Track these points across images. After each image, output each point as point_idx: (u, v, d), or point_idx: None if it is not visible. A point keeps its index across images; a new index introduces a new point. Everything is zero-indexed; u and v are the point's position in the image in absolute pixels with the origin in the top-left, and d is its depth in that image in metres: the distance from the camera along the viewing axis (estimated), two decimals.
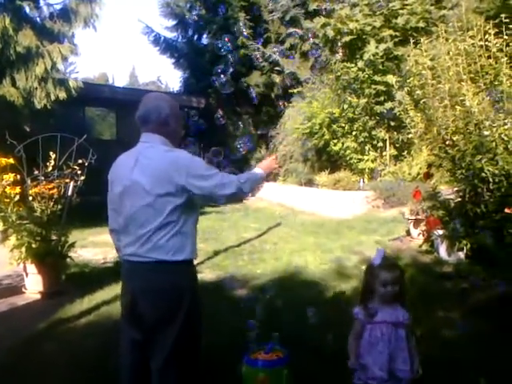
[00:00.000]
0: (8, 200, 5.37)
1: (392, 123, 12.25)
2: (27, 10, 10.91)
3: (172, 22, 19.55)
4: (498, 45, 6.59)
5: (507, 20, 6.64)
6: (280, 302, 4.90)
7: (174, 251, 2.38)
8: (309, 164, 14.26)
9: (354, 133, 12.73)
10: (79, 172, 5.81)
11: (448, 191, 7.11)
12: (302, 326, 3.72)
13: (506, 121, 6.10)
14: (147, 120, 2.52)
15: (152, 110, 2.52)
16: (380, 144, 12.67)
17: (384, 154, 12.70)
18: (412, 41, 8.02)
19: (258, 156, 15.77)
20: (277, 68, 16.95)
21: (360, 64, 12.33)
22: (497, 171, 5.97)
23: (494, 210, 5.96)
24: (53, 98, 10.23)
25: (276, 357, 2.83)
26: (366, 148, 12.75)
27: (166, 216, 2.36)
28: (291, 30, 16.64)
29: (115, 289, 4.99)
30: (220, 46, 3.94)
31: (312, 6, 15.16)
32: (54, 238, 5.56)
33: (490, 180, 5.98)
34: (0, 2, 10.34)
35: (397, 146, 12.57)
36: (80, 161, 5.80)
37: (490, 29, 6.65)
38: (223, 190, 2.42)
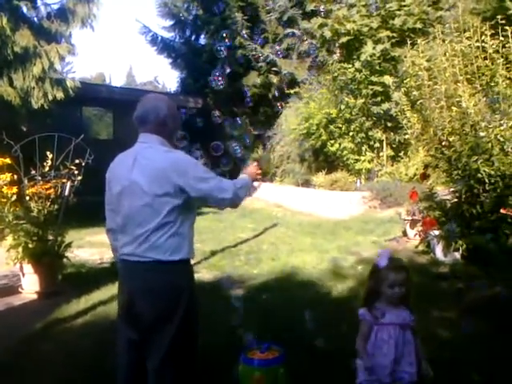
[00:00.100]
0: (5, 200, 5.37)
1: (389, 124, 12.29)
2: (24, 9, 10.89)
3: (169, 22, 19.54)
4: (494, 46, 6.63)
5: (503, 21, 6.68)
6: (276, 302, 4.92)
7: (171, 251, 2.39)
8: (306, 164, 14.27)
9: (351, 133, 12.75)
10: (76, 172, 5.80)
11: (444, 192, 7.14)
12: (299, 325, 3.73)
13: (501, 122, 6.14)
14: (145, 120, 2.53)
15: (150, 111, 2.54)
16: (377, 145, 12.70)
17: (381, 154, 12.72)
18: (409, 42, 8.06)
19: (256, 156, 15.76)
20: (274, 68, 16.95)
21: (357, 65, 12.36)
22: (492, 172, 6.01)
23: (489, 211, 5.99)
24: (50, 97, 10.22)
25: (272, 356, 2.84)
26: (363, 148, 12.77)
27: (163, 216, 2.37)
28: (289, 30, 16.66)
29: (112, 289, 4.99)
30: (219, 40, 3.95)
31: (309, 7, 15.18)
32: (50, 237, 5.55)
33: (486, 181, 6.02)
34: None
35: (393, 146, 12.59)
36: (77, 161, 5.80)
37: (486, 30, 6.69)
38: (220, 194, 2.44)
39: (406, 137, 9.50)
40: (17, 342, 4.09)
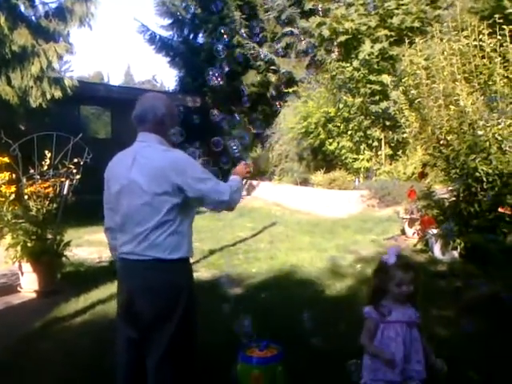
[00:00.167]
0: (3, 199, 5.37)
1: (387, 122, 12.29)
2: (22, 8, 10.87)
3: (167, 21, 19.53)
4: (491, 45, 6.64)
5: (501, 20, 6.69)
6: (275, 301, 4.93)
7: (170, 249, 2.40)
8: (304, 163, 14.27)
9: (349, 132, 12.75)
10: (75, 171, 5.81)
11: (442, 190, 7.15)
12: (297, 324, 3.73)
13: (499, 120, 6.15)
14: (143, 119, 2.54)
15: (148, 110, 2.54)
16: (375, 143, 12.70)
17: (379, 153, 12.73)
18: (407, 41, 8.07)
19: (254, 155, 15.76)
20: (272, 67, 16.95)
21: (355, 63, 12.35)
22: (490, 171, 6.02)
23: (487, 209, 6.00)
24: (48, 96, 10.21)
25: (270, 354, 2.85)
26: (362, 147, 12.77)
27: (163, 215, 2.39)
28: (287, 29, 16.66)
29: (110, 288, 5.00)
30: (218, 37, 3.96)
31: (308, 6, 15.17)
32: (49, 236, 5.56)
33: (484, 179, 6.03)
34: None
35: (392, 145, 12.60)
36: (75, 160, 5.80)
37: (484, 29, 6.69)
38: (217, 196, 2.45)
39: (405, 135, 9.52)
40: (16, 340, 4.10)
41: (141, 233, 2.40)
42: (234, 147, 3.05)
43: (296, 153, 14.34)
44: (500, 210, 5.94)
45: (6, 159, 5.48)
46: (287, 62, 16.61)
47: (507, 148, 6.14)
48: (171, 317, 2.40)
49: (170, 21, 19.48)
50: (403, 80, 8.18)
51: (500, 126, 6.15)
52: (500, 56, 6.57)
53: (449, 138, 6.49)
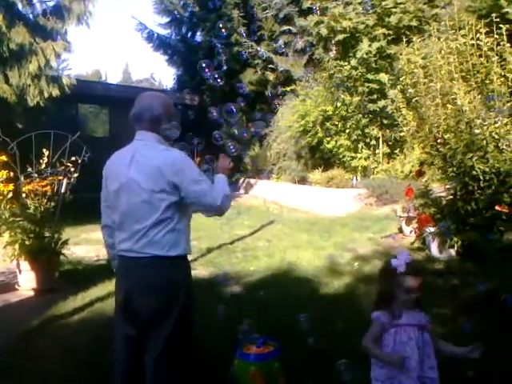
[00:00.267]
0: (1, 197, 5.38)
1: (385, 121, 12.31)
2: (20, 6, 10.86)
3: (165, 19, 19.53)
4: (489, 44, 6.66)
5: (498, 19, 6.71)
6: (273, 299, 4.95)
7: (169, 247, 2.42)
8: (302, 162, 14.29)
9: (347, 131, 12.77)
10: (72, 169, 5.81)
11: (440, 189, 7.16)
12: (295, 321, 3.75)
13: (496, 119, 6.17)
14: (140, 118, 2.55)
15: (145, 109, 2.55)
16: (373, 142, 12.71)
17: (377, 151, 12.74)
18: (405, 39, 8.08)
19: (252, 154, 15.78)
20: (270, 66, 16.96)
21: (353, 62, 12.36)
22: (487, 169, 6.03)
23: (484, 208, 6.02)
24: (46, 95, 10.21)
25: (267, 350, 2.87)
26: (359, 146, 12.79)
27: (161, 213, 2.40)
28: (285, 27, 16.67)
29: (108, 286, 5.01)
30: (216, 31, 4.00)
31: (306, 4, 15.19)
32: (47, 235, 5.57)
33: (481, 178, 6.04)
34: None
35: (389, 144, 12.62)
36: (73, 158, 5.81)
37: (481, 28, 6.72)
38: (209, 200, 2.45)
39: (402, 134, 9.54)
40: (14, 338, 4.11)
41: (139, 230, 2.41)
42: (231, 147, 3.06)
43: (294, 151, 14.36)
44: (497, 208, 5.95)
45: (4, 157, 5.49)
46: (285, 60, 16.63)
47: (504, 146, 6.16)
48: (169, 314, 2.41)
49: (167, 19, 19.49)
50: (401, 79, 8.21)
51: (497, 125, 6.17)
52: (497, 55, 6.59)
53: (446, 137, 6.50)
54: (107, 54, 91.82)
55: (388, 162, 12.41)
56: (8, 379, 3.48)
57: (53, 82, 10.37)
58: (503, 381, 3.26)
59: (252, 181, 15.16)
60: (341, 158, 13.00)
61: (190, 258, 2.62)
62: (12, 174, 5.51)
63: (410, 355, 2.36)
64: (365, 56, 12.11)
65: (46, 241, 5.52)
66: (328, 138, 12.94)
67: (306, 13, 14.93)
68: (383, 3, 12.30)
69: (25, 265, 5.37)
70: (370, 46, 12.15)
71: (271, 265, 6.41)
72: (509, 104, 6.40)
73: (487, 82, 6.63)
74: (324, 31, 12.92)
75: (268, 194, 13.49)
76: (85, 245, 7.68)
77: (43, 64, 10.09)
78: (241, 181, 15.67)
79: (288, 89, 14.84)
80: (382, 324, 2.45)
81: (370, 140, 12.70)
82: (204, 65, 3.54)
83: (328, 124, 12.98)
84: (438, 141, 6.67)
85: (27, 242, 5.30)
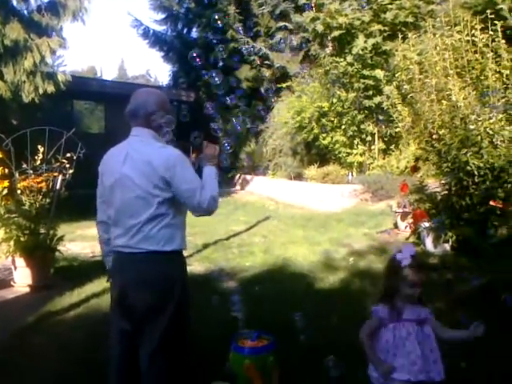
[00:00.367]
0: None
1: (380, 117, 12.32)
2: (14, 2, 10.80)
3: (161, 16, 19.43)
4: (484, 40, 6.67)
5: (493, 16, 6.73)
6: (269, 294, 4.96)
7: (164, 242, 2.42)
8: (298, 158, 14.30)
9: (342, 127, 12.78)
10: (68, 165, 5.80)
11: (434, 184, 7.20)
12: (290, 316, 3.77)
13: (491, 115, 6.19)
14: (136, 114, 2.55)
15: (141, 105, 2.55)
16: (369, 138, 12.73)
17: (372, 147, 12.77)
18: (400, 36, 8.10)
19: (248, 150, 15.77)
20: (266, 62, 16.92)
21: (349, 58, 12.36)
22: (482, 164, 6.06)
23: (478, 203, 6.05)
24: (41, 91, 10.17)
25: (262, 344, 2.88)
26: (355, 142, 12.81)
27: (155, 208, 2.40)
28: (281, 23, 16.63)
29: (104, 282, 4.96)
30: (211, 23, 4.02)
31: (302, 1, 15.17)
32: (42, 231, 5.56)
33: (475, 173, 6.07)
34: None
35: (385, 139, 12.64)
36: (68, 154, 5.80)
37: (476, 24, 6.73)
38: (196, 201, 2.44)
39: (397, 130, 9.56)
40: (9, 335, 4.11)
41: (134, 225, 2.42)
42: (226, 145, 3.05)
43: (290, 147, 14.38)
44: (491, 203, 5.99)
45: None
46: (281, 56, 16.59)
47: (498, 142, 6.19)
48: (164, 309, 2.41)
49: (163, 15, 19.39)
50: (396, 75, 8.23)
51: (491, 121, 6.20)
52: (492, 51, 6.61)
53: (441, 133, 6.53)
54: (103, 51, 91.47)
55: (383, 158, 12.44)
56: (4, 376, 3.47)
57: (48, 79, 10.33)
58: (503, 380, 3.26)
59: (248, 177, 15.16)
60: (336, 154, 13.02)
61: (185, 253, 2.63)
62: (7, 170, 5.49)
63: (411, 350, 2.38)
64: (360, 52, 12.11)
65: (42, 237, 5.51)
66: (324, 134, 12.96)
67: (302, 9, 14.91)
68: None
69: (20, 261, 5.36)
70: (365, 42, 12.15)
71: (267, 260, 6.43)
72: (503, 100, 6.42)
73: (482, 78, 6.65)
74: (320, 27, 12.92)
75: (264, 190, 13.51)
76: (80, 241, 7.67)
77: (38, 60, 10.05)
78: (237, 177, 15.68)
79: (284, 85, 14.83)
80: (380, 319, 2.46)
81: (366, 136, 12.72)
82: (195, 54, 3.55)
83: (324, 120, 12.98)
84: (433, 136, 6.69)
85: (22, 239, 5.29)
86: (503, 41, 6.64)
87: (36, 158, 5.59)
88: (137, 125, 2.56)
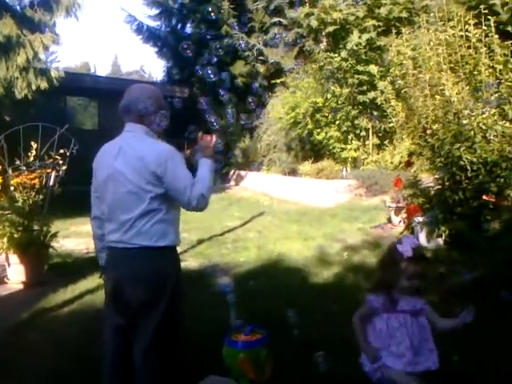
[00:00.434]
0: None
1: (375, 112, 12.33)
2: None
3: (155, 11, 19.33)
4: (477, 35, 6.70)
5: (486, 11, 6.75)
6: (263, 289, 4.97)
7: (157, 237, 2.43)
8: (292, 153, 14.29)
9: (337, 122, 12.79)
10: (61, 162, 5.78)
11: (428, 179, 7.22)
12: (284, 311, 3.77)
13: (484, 110, 6.22)
14: (130, 110, 2.55)
15: (135, 101, 2.55)
16: (363, 133, 12.74)
17: (367, 143, 12.78)
18: (394, 31, 8.11)
19: (242, 146, 15.75)
20: (261, 57, 16.89)
21: (343, 54, 12.34)
22: (475, 159, 6.09)
23: (471, 197, 6.08)
24: (34, 87, 10.12)
25: (255, 338, 2.90)
26: (349, 137, 12.81)
27: (147, 204, 2.41)
28: (275, 19, 16.60)
29: (98, 278, 5.00)
30: (205, 15, 4.04)
31: None
32: (36, 228, 5.54)
33: (468, 168, 6.10)
34: None
35: (379, 135, 12.65)
36: (61, 151, 5.77)
37: (470, 19, 6.75)
38: (185, 198, 2.44)
39: (391, 125, 9.58)
40: (3, 332, 4.10)
41: (127, 221, 2.42)
42: (213, 121, 3.05)
43: (284, 143, 14.36)
44: (484, 197, 6.02)
45: None
46: (275, 52, 16.56)
47: (491, 137, 6.22)
48: (157, 304, 2.42)
49: (157, 11, 19.29)
50: (390, 70, 8.24)
51: (484, 116, 6.22)
52: (485, 46, 6.64)
53: (434, 128, 6.55)
54: (96, 46, 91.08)
55: (378, 153, 12.45)
56: None
57: (41, 75, 10.28)
58: (503, 380, 3.29)
59: (242, 173, 15.15)
60: (331, 150, 13.02)
61: (179, 249, 2.64)
62: (0, 167, 5.47)
63: (401, 340, 2.40)
64: (355, 48, 12.10)
65: (35, 234, 5.50)
66: (318, 130, 12.95)
67: (296, 4, 14.88)
68: None
69: (14, 258, 5.35)
70: (360, 37, 12.14)
71: (261, 256, 6.44)
72: (496, 95, 6.45)
73: (475, 73, 6.68)
74: (314, 23, 12.89)
75: (258, 186, 13.50)
76: (74, 237, 7.65)
77: (31, 56, 10.00)
78: (231, 173, 15.66)
79: (278, 81, 14.81)
80: (373, 308, 2.48)
81: (360, 131, 12.71)
82: (185, 46, 3.55)
83: (318, 115, 12.98)
84: (427, 131, 6.72)
85: (16, 235, 5.27)
86: (496, 36, 6.68)
87: (29, 154, 5.57)
88: (130, 120, 2.55)
